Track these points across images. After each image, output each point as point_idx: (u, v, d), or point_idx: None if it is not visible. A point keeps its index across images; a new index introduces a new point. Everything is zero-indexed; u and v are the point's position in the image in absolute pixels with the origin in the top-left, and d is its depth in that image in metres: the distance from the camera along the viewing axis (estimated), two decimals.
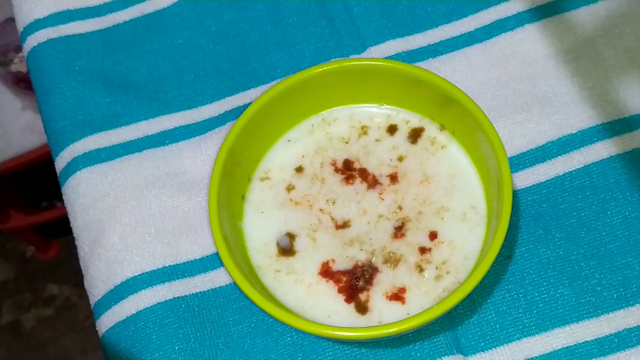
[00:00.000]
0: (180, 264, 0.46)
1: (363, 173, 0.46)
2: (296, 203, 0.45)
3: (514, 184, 0.46)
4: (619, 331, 0.42)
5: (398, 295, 0.42)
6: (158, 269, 0.46)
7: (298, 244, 0.44)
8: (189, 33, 0.54)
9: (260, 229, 0.45)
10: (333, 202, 0.45)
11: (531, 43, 0.50)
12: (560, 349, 0.42)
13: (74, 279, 1.39)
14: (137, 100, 0.52)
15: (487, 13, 0.52)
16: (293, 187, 0.46)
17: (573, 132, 0.47)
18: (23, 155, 1.06)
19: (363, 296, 0.42)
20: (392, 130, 0.47)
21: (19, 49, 0.98)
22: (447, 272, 0.42)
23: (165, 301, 0.45)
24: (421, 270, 0.42)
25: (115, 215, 0.48)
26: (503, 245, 0.39)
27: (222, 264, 0.41)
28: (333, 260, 0.43)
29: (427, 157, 0.46)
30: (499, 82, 0.49)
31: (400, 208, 0.44)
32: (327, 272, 0.43)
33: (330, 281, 0.43)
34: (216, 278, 0.46)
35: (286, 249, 0.43)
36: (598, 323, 0.42)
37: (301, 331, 0.39)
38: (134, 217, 0.48)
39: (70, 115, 0.52)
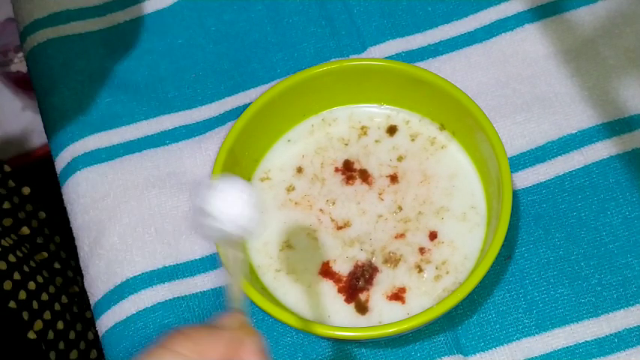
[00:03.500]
0: (180, 264, 0.46)
1: (363, 174, 0.46)
2: (296, 203, 0.45)
3: (514, 184, 0.46)
4: (619, 331, 0.42)
5: (398, 295, 0.42)
6: (158, 269, 0.46)
7: (298, 244, 0.44)
8: (189, 33, 0.54)
9: (260, 229, 0.45)
10: (333, 203, 0.45)
11: (531, 43, 0.50)
12: (560, 349, 0.42)
13: None
14: (137, 100, 0.52)
15: (487, 13, 0.52)
16: (293, 188, 0.46)
17: (573, 132, 0.47)
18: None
19: (363, 296, 0.42)
20: (391, 130, 0.47)
21: (19, 49, 0.98)
22: (447, 272, 0.42)
23: (165, 301, 0.45)
24: (421, 270, 0.42)
25: (115, 215, 0.48)
26: (503, 245, 0.39)
27: (222, 264, 0.41)
28: (334, 260, 0.43)
29: (427, 157, 0.46)
30: (499, 82, 0.49)
31: (400, 208, 0.44)
32: (327, 272, 0.43)
33: (330, 281, 0.43)
34: (216, 278, 0.46)
35: None
36: (598, 323, 0.42)
37: (301, 331, 0.39)
38: (134, 217, 0.48)
39: (70, 115, 0.52)
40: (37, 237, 0.60)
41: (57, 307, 0.55)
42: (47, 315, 0.54)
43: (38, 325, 0.52)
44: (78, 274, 0.61)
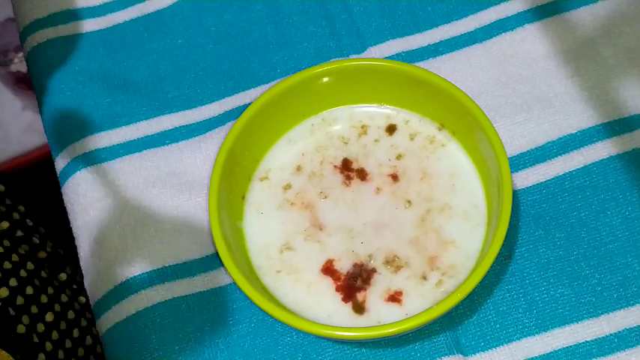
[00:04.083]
0: (180, 264, 0.46)
1: (361, 173, 0.46)
2: (294, 204, 0.45)
3: (514, 184, 0.46)
4: (619, 331, 0.42)
5: (395, 298, 0.42)
6: (158, 269, 0.46)
7: (298, 246, 0.44)
8: (189, 33, 0.54)
9: (260, 229, 0.45)
10: (333, 201, 0.45)
11: (531, 43, 0.50)
12: (560, 349, 0.42)
13: None
14: (137, 100, 0.52)
15: (487, 13, 0.52)
16: (291, 187, 0.46)
17: (573, 132, 0.47)
18: (23, 155, 1.06)
19: (360, 296, 0.42)
20: (391, 129, 0.47)
21: (19, 49, 0.98)
22: (450, 277, 0.42)
23: (166, 301, 0.45)
24: (425, 278, 0.42)
25: (115, 215, 0.48)
26: (503, 245, 0.39)
27: (222, 264, 0.41)
28: (334, 260, 0.43)
29: (427, 155, 0.46)
30: (499, 82, 0.49)
31: (407, 203, 0.44)
32: (328, 269, 0.43)
33: (330, 279, 0.43)
34: (216, 278, 0.46)
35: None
36: (598, 323, 0.42)
37: (301, 331, 0.39)
38: (134, 217, 0.48)
39: (70, 115, 0.52)
40: None
41: (22, 273, 0.56)
42: (13, 282, 0.54)
43: (3, 292, 0.53)
44: (47, 238, 0.61)
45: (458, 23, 0.52)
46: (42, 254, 0.60)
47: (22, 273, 0.56)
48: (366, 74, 0.46)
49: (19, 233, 0.59)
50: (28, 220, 0.62)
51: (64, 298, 0.59)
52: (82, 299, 0.61)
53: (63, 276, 0.60)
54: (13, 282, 0.54)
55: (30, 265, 0.57)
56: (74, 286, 0.61)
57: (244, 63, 0.53)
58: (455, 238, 0.43)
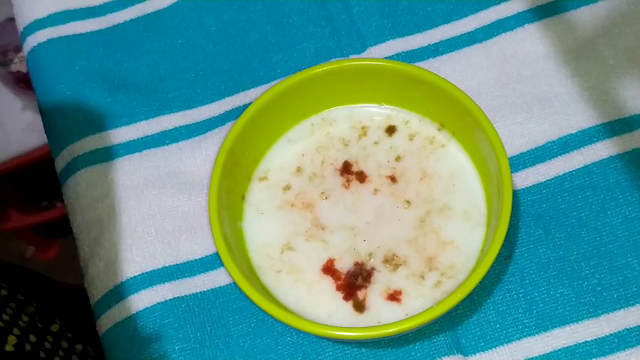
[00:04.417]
0: (180, 264, 0.46)
1: (360, 175, 0.46)
2: (294, 205, 0.45)
3: (514, 184, 0.46)
4: (619, 331, 0.42)
5: (394, 297, 0.42)
6: (158, 269, 0.46)
7: (299, 246, 0.44)
8: (189, 33, 0.54)
9: (260, 229, 0.45)
10: (333, 202, 0.45)
11: (531, 43, 0.50)
12: (560, 349, 0.42)
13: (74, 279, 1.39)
14: (137, 100, 0.52)
15: (487, 13, 0.52)
16: (291, 188, 0.46)
17: (573, 132, 0.47)
18: (23, 155, 1.06)
19: (360, 294, 0.42)
20: (390, 130, 0.47)
21: (19, 49, 0.98)
22: (449, 277, 0.42)
23: (165, 301, 0.45)
24: (423, 277, 0.42)
25: (114, 215, 0.48)
26: (503, 245, 0.39)
27: (222, 264, 0.41)
28: (334, 259, 0.43)
29: (426, 155, 0.46)
30: (499, 82, 0.49)
31: (406, 203, 0.44)
32: (328, 269, 0.43)
33: (330, 278, 0.43)
34: (216, 278, 0.46)
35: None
36: (598, 323, 0.42)
37: (301, 331, 0.39)
38: (134, 217, 0.48)
39: (70, 115, 0.52)
40: None
41: (21, 323, 0.56)
42: (16, 331, 0.54)
43: (12, 339, 0.53)
44: (28, 301, 0.62)
45: (458, 23, 0.52)
46: (30, 308, 0.60)
47: (21, 323, 0.56)
48: (366, 74, 0.46)
49: (4, 292, 0.60)
50: (2, 291, 0.62)
51: (64, 344, 0.59)
52: (79, 347, 0.61)
53: (55, 327, 0.60)
54: (16, 331, 0.54)
55: (25, 317, 0.57)
56: (69, 335, 0.61)
57: (244, 63, 0.53)
58: (454, 239, 0.43)
